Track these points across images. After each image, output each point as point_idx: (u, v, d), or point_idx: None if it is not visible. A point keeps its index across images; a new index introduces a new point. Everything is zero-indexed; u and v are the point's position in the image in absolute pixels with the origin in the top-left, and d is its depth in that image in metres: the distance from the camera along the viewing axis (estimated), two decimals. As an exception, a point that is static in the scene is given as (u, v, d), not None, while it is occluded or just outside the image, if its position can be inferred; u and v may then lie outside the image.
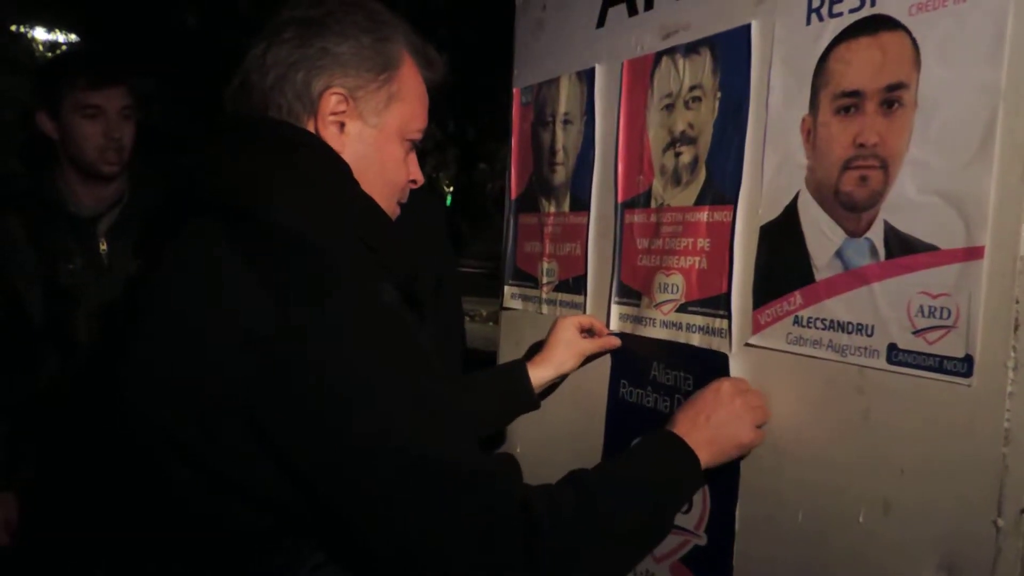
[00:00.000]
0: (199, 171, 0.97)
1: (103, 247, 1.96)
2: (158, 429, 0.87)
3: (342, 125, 0.99)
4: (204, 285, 0.87)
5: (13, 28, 5.24)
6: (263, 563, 0.87)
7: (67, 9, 5.39)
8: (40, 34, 5.33)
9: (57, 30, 5.18)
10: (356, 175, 0.98)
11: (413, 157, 1.09)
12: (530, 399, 1.47)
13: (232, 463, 0.83)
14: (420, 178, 1.11)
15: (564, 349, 1.48)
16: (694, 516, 1.27)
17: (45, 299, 1.91)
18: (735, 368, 1.19)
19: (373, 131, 1.01)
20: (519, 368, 1.48)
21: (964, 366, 0.88)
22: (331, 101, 0.98)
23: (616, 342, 1.45)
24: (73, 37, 4.90)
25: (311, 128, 0.98)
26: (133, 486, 0.95)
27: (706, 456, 1.09)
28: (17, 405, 1.94)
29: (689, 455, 1.08)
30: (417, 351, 0.88)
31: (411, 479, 0.81)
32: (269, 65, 0.97)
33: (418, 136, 1.08)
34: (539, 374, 1.47)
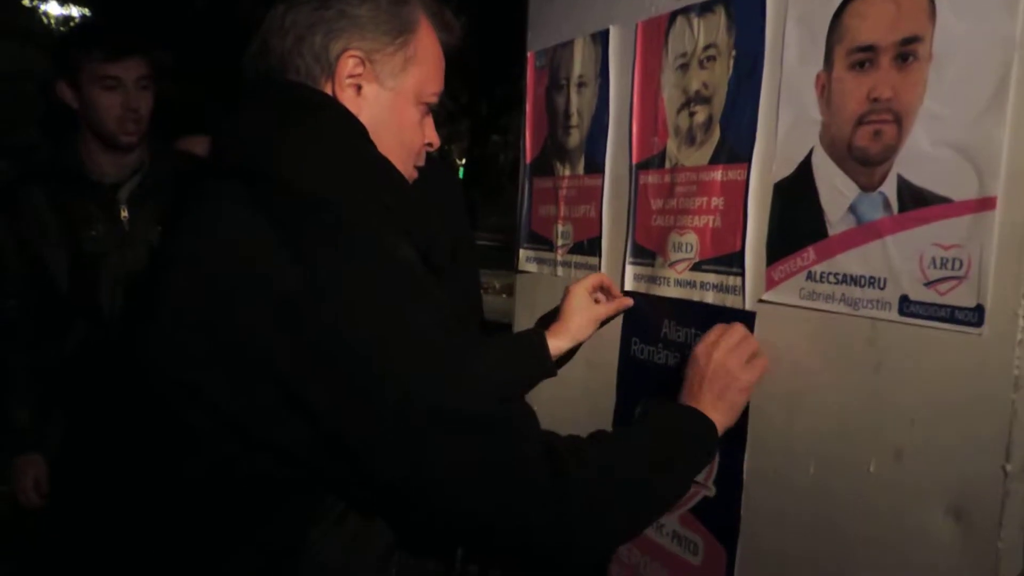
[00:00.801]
0: (220, 134, 1.00)
1: (124, 214, 2.00)
2: (182, 384, 0.88)
3: (359, 87, 1.00)
4: (227, 245, 0.89)
5: (27, 2, 5.26)
6: (284, 513, 0.89)
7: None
8: (53, 8, 5.35)
9: (70, 4, 5.20)
10: (373, 137, 0.99)
11: (429, 120, 1.10)
12: (547, 367, 1.47)
13: (259, 418, 0.85)
14: (436, 141, 1.13)
15: (579, 317, 1.48)
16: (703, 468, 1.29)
17: (70, 265, 1.95)
18: (737, 318, 1.20)
19: (390, 94, 1.02)
20: (538, 337, 1.48)
21: (975, 316, 0.89)
22: (348, 64, 0.99)
23: (629, 302, 1.46)
24: (86, 12, 4.91)
25: (328, 90, 0.99)
26: (155, 445, 0.96)
27: (717, 413, 1.12)
28: (46, 369, 1.99)
29: (697, 415, 1.11)
30: (435, 304, 0.90)
31: (436, 426, 0.83)
32: (288, 27, 0.99)
33: (434, 99, 1.09)
34: (556, 344, 1.47)
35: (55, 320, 1.98)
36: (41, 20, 4.85)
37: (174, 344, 0.89)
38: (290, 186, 0.89)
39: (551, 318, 1.53)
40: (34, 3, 5.18)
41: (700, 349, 1.18)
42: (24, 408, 1.98)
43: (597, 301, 1.50)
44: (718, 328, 1.20)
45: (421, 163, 1.12)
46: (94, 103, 1.93)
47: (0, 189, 1.99)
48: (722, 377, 1.14)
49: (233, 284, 0.86)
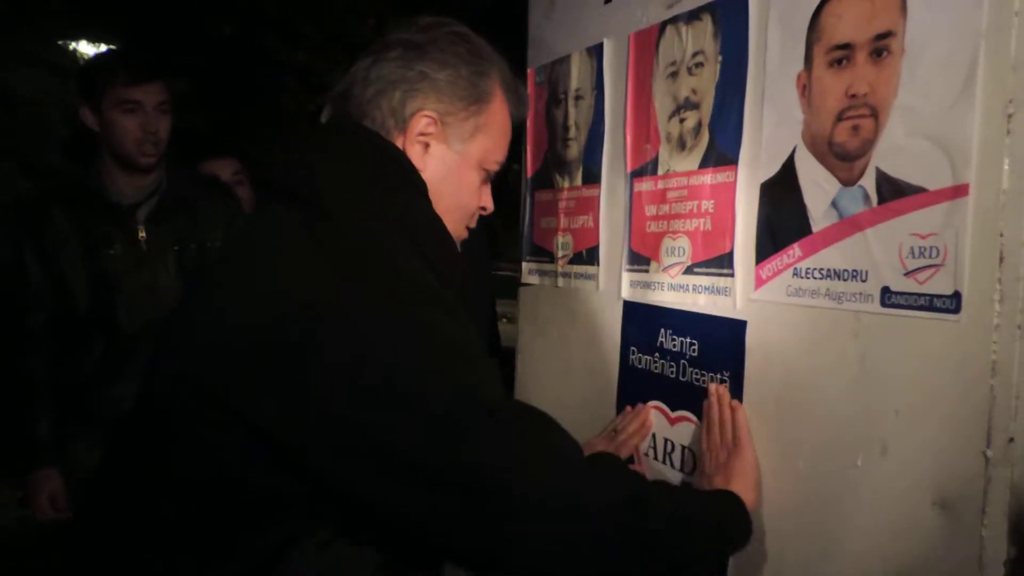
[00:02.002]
0: (293, 164, 1.03)
1: (142, 234, 2.06)
2: (205, 391, 0.89)
3: (427, 145, 1.06)
4: (278, 267, 0.92)
5: (60, 43, 5.47)
6: (270, 532, 0.90)
7: (110, 24, 5.60)
8: (84, 47, 5.55)
9: (101, 43, 5.39)
10: (432, 194, 1.05)
11: (487, 187, 1.16)
12: None
13: (279, 431, 0.85)
14: (490, 206, 1.17)
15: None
16: (698, 477, 1.29)
17: (89, 283, 2.01)
18: (728, 326, 1.21)
19: (455, 156, 1.07)
20: None
21: (953, 303, 0.89)
22: (421, 122, 1.04)
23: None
24: (115, 48, 5.10)
25: (399, 144, 1.05)
26: (160, 449, 0.96)
27: (738, 487, 1.12)
28: (66, 385, 2.04)
29: (725, 492, 1.12)
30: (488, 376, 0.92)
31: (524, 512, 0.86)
32: (372, 79, 1.05)
33: (496, 167, 1.14)
34: None
35: (74, 336, 2.03)
36: (71, 55, 5.03)
37: (203, 351, 0.91)
38: (348, 226, 0.94)
39: None
40: (66, 41, 5.37)
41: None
42: (44, 423, 2.02)
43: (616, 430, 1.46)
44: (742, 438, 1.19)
45: (473, 225, 1.17)
46: (115, 126, 2.01)
47: (24, 208, 2.06)
48: (724, 467, 1.16)
49: (271, 303, 0.88)
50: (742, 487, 1.11)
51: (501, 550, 0.86)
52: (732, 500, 1.08)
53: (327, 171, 0.99)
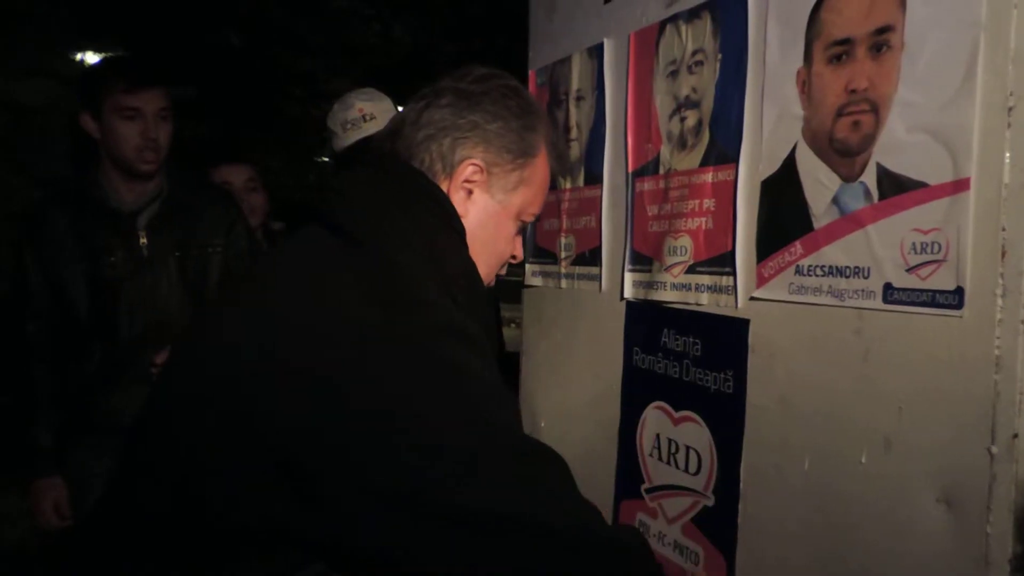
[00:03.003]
0: (339, 193, 1.05)
1: (143, 240, 2.06)
2: (223, 416, 0.88)
3: (471, 192, 1.09)
4: (311, 290, 0.92)
5: (68, 54, 5.51)
6: (271, 566, 0.87)
7: (117, 35, 5.65)
8: (91, 57, 5.59)
9: (108, 53, 5.44)
10: (469, 239, 1.06)
11: (520, 238, 1.19)
12: None
13: (298, 463, 0.83)
14: (520, 256, 1.21)
15: None
16: (702, 478, 1.29)
17: (89, 291, 2.01)
18: (730, 325, 1.21)
19: (497, 206, 1.10)
20: None
21: (955, 298, 0.88)
22: (468, 170, 1.07)
23: None
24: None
25: (444, 187, 1.07)
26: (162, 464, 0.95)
27: None
28: (67, 392, 2.04)
29: None
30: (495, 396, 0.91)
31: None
32: (424, 123, 1.08)
33: (532, 219, 1.18)
34: None
35: (75, 343, 2.03)
36: (79, 66, 5.07)
37: (228, 367, 0.90)
38: (386, 261, 0.95)
39: None
40: (73, 52, 5.41)
41: None
42: (46, 430, 2.03)
43: None
44: None
45: (503, 273, 1.20)
46: (115, 133, 2.01)
47: (24, 216, 2.07)
48: None
49: (303, 326, 0.87)
50: None
51: None
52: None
53: (372, 206, 1.01)
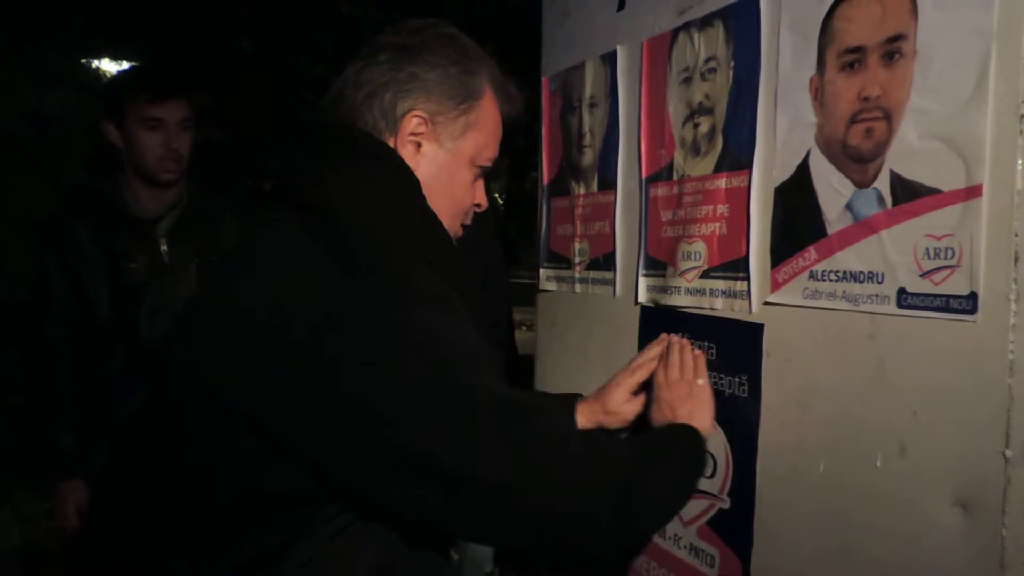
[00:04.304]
0: (290, 170, 1.07)
1: (163, 247, 2.09)
2: (217, 398, 0.92)
3: (419, 145, 1.07)
4: (283, 270, 0.95)
5: (84, 60, 5.58)
6: (277, 523, 0.93)
7: (131, 40, 5.71)
8: (106, 64, 5.65)
9: (122, 60, 5.49)
10: (425, 192, 1.06)
11: (480, 183, 1.17)
12: None
13: (294, 433, 0.88)
14: (484, 203, 1.19)
15: (600, 407, 1.38)
16: (717, 481, 1.30)
17: (111, 297, 2.05)
18: (744, 330, 1.22)
19: (447, 155, 1.09)
20: (569, 404, 1.41)
21: (969, 303, 0.89)
22: (412, 123, 1.06)
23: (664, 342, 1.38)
24: (137, 65, 5.21)
25: (391, 144, 1.06)
26: (183, 455, 1.00)
27: (696, 420, 1.20)
28: (90, 396, 2.07)
29: (691, 429, 1.18)
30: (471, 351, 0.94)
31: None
32: (362, 82, 1.06)
33: (488, 164, 1.15)
34: (579, 420, 1.38)
35: (97, 348, 2.06)
36: (94, 73, 5.13)
37: (215, 357, 0.93)
38: (348, 226, 0.96)
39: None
40: (89, 60, 5.48)
41: (660, 380, 1.27)
42: (69, 433, 2.06)
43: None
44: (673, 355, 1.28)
45: (468, 221, 1.18)
46: (137, 142, 2.04)
47: (47, 222, 2.10)
48: (688, 398, 1.22)
49: (280, 305, 0.90)
50: (704, 420, 1.21)
51: (503, 535, 0.97)
52: (697, 442, 1.17)
53: (323, 175, 1.01)
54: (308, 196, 1.00)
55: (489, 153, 1.14)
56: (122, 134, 2.06)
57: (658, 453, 1.11)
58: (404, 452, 0.87)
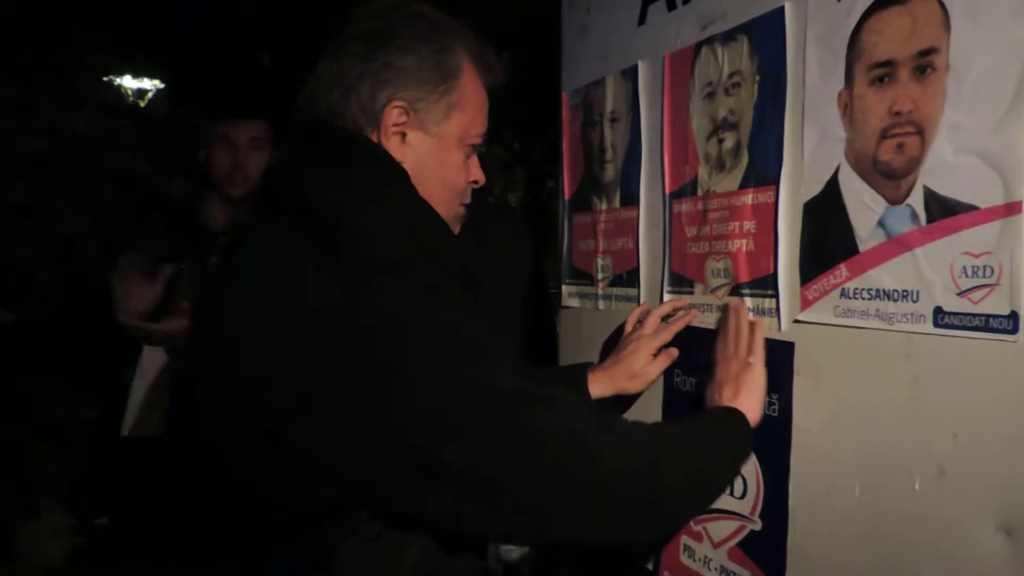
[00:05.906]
0: (276, 175, 1.06)
1: (213, 259, 2.15)
2: (236, 412, 0.93)
3: (403, 135, 1.05)
4: (281, 275, 0.94)
5: (105, 79, 5.66)
6: (319, 535, 0.93)
7: (150, 59, 5.78)
8: (128, 81, 5.72)
9: (143, 77, 5.56)
10: (416, 182, 1.03)
11: (475, 159, 1.14)
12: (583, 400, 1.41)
13: (311, 445, 0.88)
14: (481, 178, 1.15)
15: (623, 371, 1.41)
16: (748, 502, 1.27)
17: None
18: (774, 348, 1.19)
19: (433, 140, 1.06)
20: (579, 374, 1.44)
21: (1010, 323, 0.87)
22: (393, 114, 1.03)
23: (693, 315, 1.39)
24: (157, 82, 5.27)
25: (374, 138, 1.04)
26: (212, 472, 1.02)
27: (742, 402, 1.16)
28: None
29: (732, 411, 1.15)
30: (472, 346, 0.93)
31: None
32: (335, 79, 1.04)
33: (479, 140, 1.12)
34: (594, 389, 1.41)
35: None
36: (117, 91, 5.20)
37: (229, 374, 0.94)
38: (339, 227, 0.95)
39: (606, 351, 1.50)
40: (114, 80, 5.56)
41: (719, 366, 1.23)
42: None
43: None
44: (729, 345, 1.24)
45: (467, 200, 1.15)
46: (211, 159, 2.17)
47: (125, 220, 2.24)
48: (735, 378, 1.18)
49: (284, 312, 0.90)
50: (750, 403, 1.15)
51: (523, 533, 0.96)
52: (739, 424, 1.12)
53: (310, 178, 0.99)
54: (298, 202, 0.99)
55: (477, 129, 1.11)
56: (206, 150, 2.19)
57: (689, 442, 1.06)
58: (414, 454, 0.86)
